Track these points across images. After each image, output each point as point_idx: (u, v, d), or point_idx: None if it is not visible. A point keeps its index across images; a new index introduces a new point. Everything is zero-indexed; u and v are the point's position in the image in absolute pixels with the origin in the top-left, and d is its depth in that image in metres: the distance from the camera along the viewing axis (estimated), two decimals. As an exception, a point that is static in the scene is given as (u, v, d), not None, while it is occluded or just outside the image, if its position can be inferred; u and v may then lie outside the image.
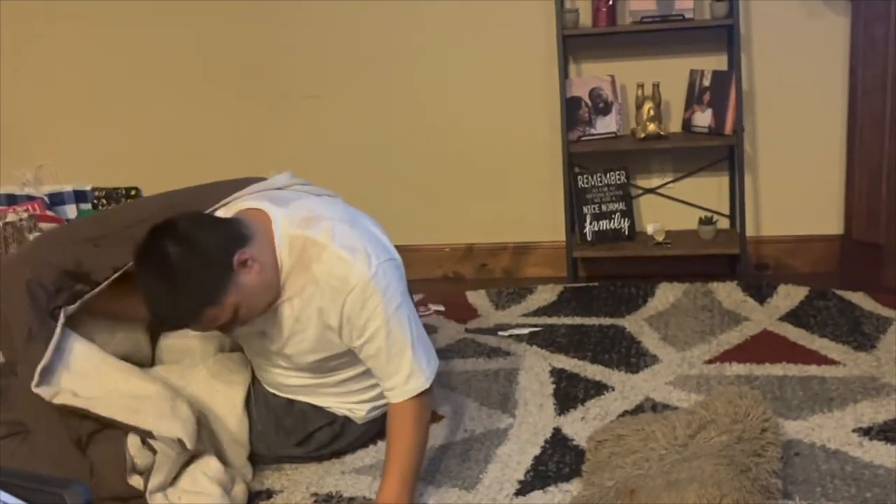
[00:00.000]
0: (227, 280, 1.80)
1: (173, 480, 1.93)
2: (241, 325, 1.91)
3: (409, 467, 1.85)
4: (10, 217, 3.42)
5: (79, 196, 3.64)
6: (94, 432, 1.92)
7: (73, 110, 3.64)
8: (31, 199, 3.59)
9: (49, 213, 3.55)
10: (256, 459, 2.09)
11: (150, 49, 3.52)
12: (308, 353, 1.99)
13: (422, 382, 1.89)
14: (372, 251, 1.88)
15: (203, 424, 2.01)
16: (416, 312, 1.95)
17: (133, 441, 1.88)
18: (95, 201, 3.61)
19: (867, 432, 2.07)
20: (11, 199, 3.64)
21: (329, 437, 2.11)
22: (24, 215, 3.44)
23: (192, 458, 1.97)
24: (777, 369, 2.43)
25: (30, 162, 3.67)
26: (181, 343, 2.19)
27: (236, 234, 1.85)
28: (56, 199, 3.64)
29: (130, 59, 3.55)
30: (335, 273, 1.85)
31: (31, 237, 3.40)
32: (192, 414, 1.94)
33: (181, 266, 1.76)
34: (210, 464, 1.95)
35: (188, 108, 3.55)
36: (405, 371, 1.88)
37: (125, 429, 1.88)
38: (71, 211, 3.62)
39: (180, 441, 1.87)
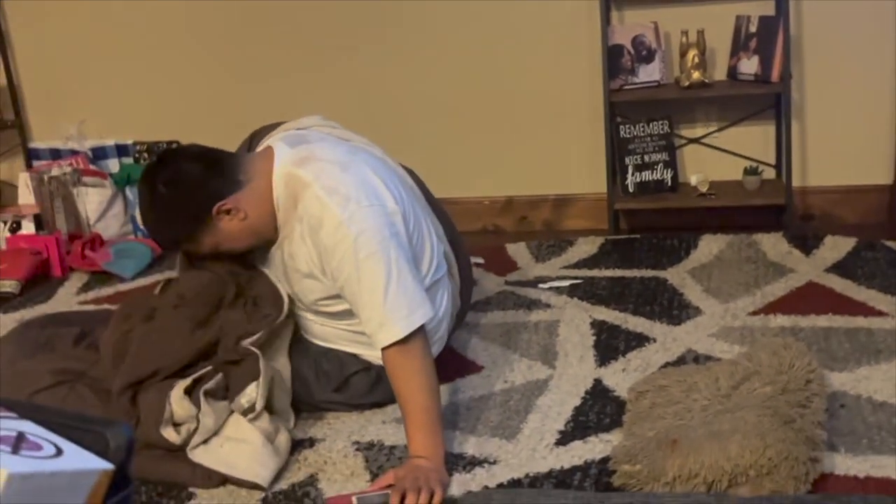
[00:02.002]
0: (202, 226, 1.96)
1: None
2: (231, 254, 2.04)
3: (420, 414, 1.83)
4: (55, 171, 3.46)
5: (121, 150, 3.67)
6: (149, 383, 1.97)
7: (114, 65, 3.66)
8: (74, 153, 3.62)
9: (92, 167, 3.59)
10: (298, 408, 2.11)
11: (189, 2, 3.51)
12: (308, 292, 2.02)
13: (394, 332, 1.85)
14: (354, 195, 1.87)
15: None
16: (408, 263, 1.89)
17: (177, 392, 1.91)
18: (137, 155, 3.64)
19: (915, 384, 2.03)
20: (55, 154, 3.68)
21: (367, 385, 2.11)
22: (68, 170, 3.48)
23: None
24: (823, 321, 2.38)
25: (73, 117, 3.69)
26: None
27: (228, 180, 1.95)
28: (99, 154, 3.67)
29: (169, 12, 3.54)
30: (311, 212, 1.90)
31: (75, 191, 3.45)
32: (287, 447, 1.96)
33: (162, 204, 1.96)
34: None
35: (227, 60, 3.55)
36: (377, 320, 1.86)
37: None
38: (114, 165, 3.66)
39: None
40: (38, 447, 0.70)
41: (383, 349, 1.87)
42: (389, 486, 1.75)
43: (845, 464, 1.78)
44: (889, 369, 2.11)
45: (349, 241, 1.85)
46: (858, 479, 1.74)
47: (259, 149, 2.10)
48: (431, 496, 1.72)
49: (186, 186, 1.95)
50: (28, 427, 0.73)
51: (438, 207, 2.27)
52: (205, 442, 1.92)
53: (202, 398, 1.92)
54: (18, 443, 0.69)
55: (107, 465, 0.75)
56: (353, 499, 1.73)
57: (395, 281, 1.86)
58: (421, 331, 1.88)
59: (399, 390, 1.88)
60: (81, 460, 0.70)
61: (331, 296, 1.99)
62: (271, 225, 2.00)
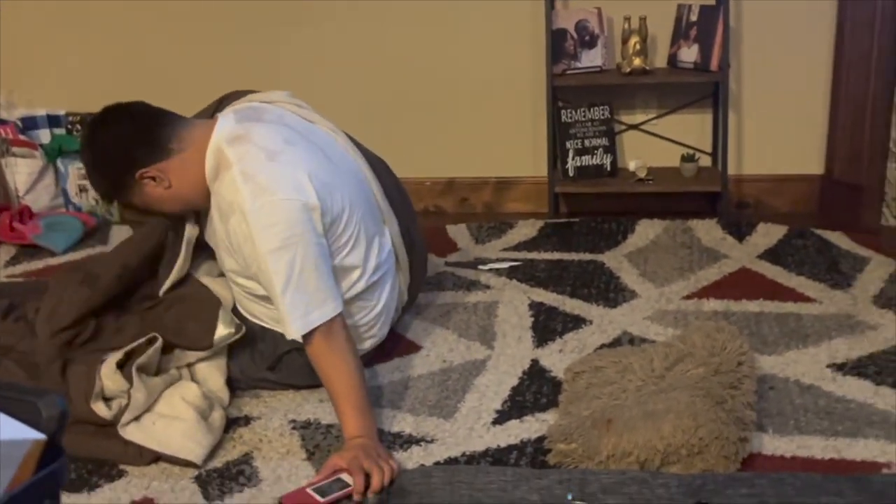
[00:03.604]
0: (126, 187, 1.97)
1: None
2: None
3: (349, 396, 1.83)
4: (-18, 141, 3.35)
5: (52, 120, 3.56)
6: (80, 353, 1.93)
7: (46, 30, 3.54)
8: (2, 123, 3.50)
9: (22, 137, 3.48)
10: (233, 386, 2.09)
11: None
12: (234, 272, 2.01)
13: (291, 331, 1.86)
14: (270, 186, 1.85)
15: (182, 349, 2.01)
16: (316, 260, 1.87)
17: (108, 366, 1.87)
18: (69, 126, 3.54)
19: (841, 368, 2.10)
20: (-17, 123, 3.56)
21: (301, 365, 2.07)
22: (-4, 140, 3.37)
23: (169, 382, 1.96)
24: (754, 306, 2.44)
25: (2, 84, 3.57)
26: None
27: (157, 147, 1.94)
28: (29, 124, 3.55)
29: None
30: (224, 195, 1.89)
31: (3, 161, 3.34)
32: (221, 425, 1.95)
33: (92, 162, 2.00)
34: (188, 388, 1.95)
35: (167, 30, 3.46)
36: (281, 313, 1.87)
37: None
38: (45, 136, 3.54)
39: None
40: (-33, 416, 0.68)
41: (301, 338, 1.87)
42: (336, 471, 1.74)
43: (773, 444, 1.83)
44: (816, 353, 2.17)
45: (256, 232, 1.84)
46: (785, 459, 1.79)
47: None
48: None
49: (113, 150, 1.96)
50: (-45, 396, 0.71)
51: (401, 200, 2.26)
52: (137, 419, 1.89)
53: (134, 373, 1.88)
54: (-55, 411, 0.66)
55: (38, 436, 0.73)
56: (309, 489, 1.71)
57: (295, 278, 1.84)
58: (335, 319, 1.88)
59: (324, 377, 1.89)
60: (12, 430, 0.68)
61: (249, 276, 1.97)
62: (202, 195, 1.98)
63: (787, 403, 1.97)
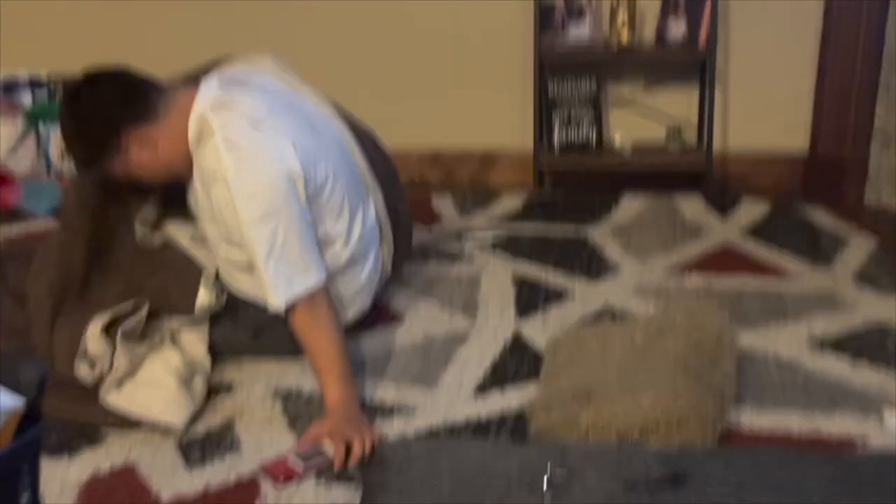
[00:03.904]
0: (111, 151, 1.92)
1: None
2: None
3: (331, 366, 1.84)
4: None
5: (34, 83, 3.51)
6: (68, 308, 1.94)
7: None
8: (-18, 85, 3.46)
9: (3, 98, 3.43)
10: (215, 352, 2.08)
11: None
12: (217, 239, 1.99)
13: (274, 302, 1.86)
14: (252, 155, 1.84)
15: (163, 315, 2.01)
16: (300, 229, 1.87)
17: (93, 329, 1.86)
18: (53, 89, 3.49)
19: (820, 344, 2.12)
20: (-38, 86, 3.51)
21: (284, 333, 2.05)
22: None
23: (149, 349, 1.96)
24: (735, 282, 2.46)
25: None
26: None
27: (144, 110, 1.91)
28: (10, 87, 3.50)
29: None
30: (207, 163, 1.88)
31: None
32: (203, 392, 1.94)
33: (75, 126, 1.94)
34: (170, 355, 1.95)
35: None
36: (264, 283, 1.87)
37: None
38: (26, 98, 3.50)
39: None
40: (-55, 380, 0.68)
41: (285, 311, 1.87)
42: (317, 440, 1.74)
43: (751, 419, 1.85)
44: (796, 329, 2.19)
45: (239, 200, 1.82)
46: (763, 434, 1.81)
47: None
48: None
49: (98, 111, 1.92)
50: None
51: (388, 173, 2.24)
52: (118, 385, 1.89)
53: (119, 338, 1.88)
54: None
55: (17, 400, 0.73)
56: (290, 457, 1.72)
57: (278, 248, 1.84)
58: (318, 290, 1.87)
59: (306, 347, 1.89)
60: (-9, 394, 0.68)
61: (233, 243, 1.96)
62: (185, 162, 1.95)
63: (766, 379, 1.99)
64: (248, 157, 1.83)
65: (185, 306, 1.99)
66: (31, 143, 3.42)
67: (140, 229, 2.09)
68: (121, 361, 1.87)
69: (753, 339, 2.15)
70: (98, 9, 3.45)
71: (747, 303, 2.34)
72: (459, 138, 3.41)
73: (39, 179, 3.31)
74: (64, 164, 3.38)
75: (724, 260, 2.61)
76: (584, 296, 2.41)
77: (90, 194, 2.05)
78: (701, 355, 1.87)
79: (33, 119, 3.39)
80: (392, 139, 2.61)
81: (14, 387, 0.70)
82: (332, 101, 2.22)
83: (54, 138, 3.36)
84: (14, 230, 2.98)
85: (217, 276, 2.08)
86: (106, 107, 1.92)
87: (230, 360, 2.12)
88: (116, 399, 1.87)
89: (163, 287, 2.01)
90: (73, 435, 1.85)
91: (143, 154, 1.93)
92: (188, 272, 2.02)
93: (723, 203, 3.00)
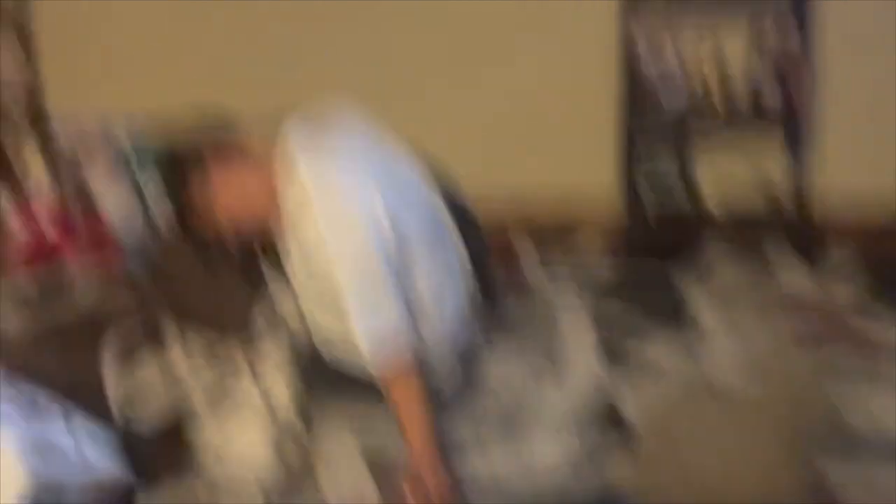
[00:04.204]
0: (197, 172, 1.98)
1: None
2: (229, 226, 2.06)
3: (415, 428, 1.84)
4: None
5: (132, 133, 3.64)
6: None
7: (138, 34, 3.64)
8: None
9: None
10: (303, 407, 2.09)
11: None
12: (307, 296, 2.01)
13: (362, 343, 1.86)
14: (342, 194, 1.87)
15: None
16: (384, 270, 1.88)
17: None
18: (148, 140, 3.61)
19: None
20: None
21: (370, 387, 2.06)
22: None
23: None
24: (838, 351, 2.36)
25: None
26: None
27: (230, 145, 1.99)
28: (119, 157, 3.66)
29: None
30: (295, 201, 1.90)
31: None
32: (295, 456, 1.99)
33: (170, 161, 2.05)
34: (260, 416, 1.98)
35: (249, 25, 3.53)
36: (349, 315, 1.87)
37: None
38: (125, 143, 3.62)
39: None
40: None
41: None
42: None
43: (857, 492, 1.76)
44: (906, 404, 2.08)
45: (324, 239, 1.85)
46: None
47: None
48: None
49: (188, 148, 2.01)
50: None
51: (465, 214, 2.25)
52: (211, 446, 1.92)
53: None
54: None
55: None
56: None
57: (361, 287, 1.86)
58: (402, 337, 1.87)
59: (394, 406, 1.88)
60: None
61: (323, 303, 1.98)
62: (270, 201, 1.98)
63: (875, 452, 1.89)
64: (335, 196, 1.87)
65: (239, 322, 2.03)
66: (137, 207, 3.56)
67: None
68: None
69: (858, 411, 2.05)
70: (191, 54, 3.60)
71: (850, 373, 2.24)
72: (546, 193, 3.40)
73: (145, 243, 3.44)
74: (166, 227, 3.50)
75: (825, 328, 2.51)
76: (679, 365, 2.35)
77: (183, 256, 2.13)
78: (804, 428, 1.80)
79: (129, 162, 3.53)
80: (476, 188, 2.63)
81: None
82: (411, 148, 2.24)
83: (159, 203, 3.49)
84: (118, 293, 3.09)
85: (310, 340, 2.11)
86: (196, 141, 2.01)
87: (317, 410, 2.12)
88: (212, 462, 1.90)
89: (218, 304, 2.07)
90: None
91: (231, 192, 1.98)
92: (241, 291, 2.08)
93: (823, 268, 2.91)
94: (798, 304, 2.67)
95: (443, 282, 2.07)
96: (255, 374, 2.07)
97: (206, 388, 1.96)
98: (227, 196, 2.02)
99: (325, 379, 2.10)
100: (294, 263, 2.03)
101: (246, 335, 2.06)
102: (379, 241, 1.88)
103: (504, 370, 2.36)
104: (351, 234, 1.85)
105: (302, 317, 2.11)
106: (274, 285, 2.17)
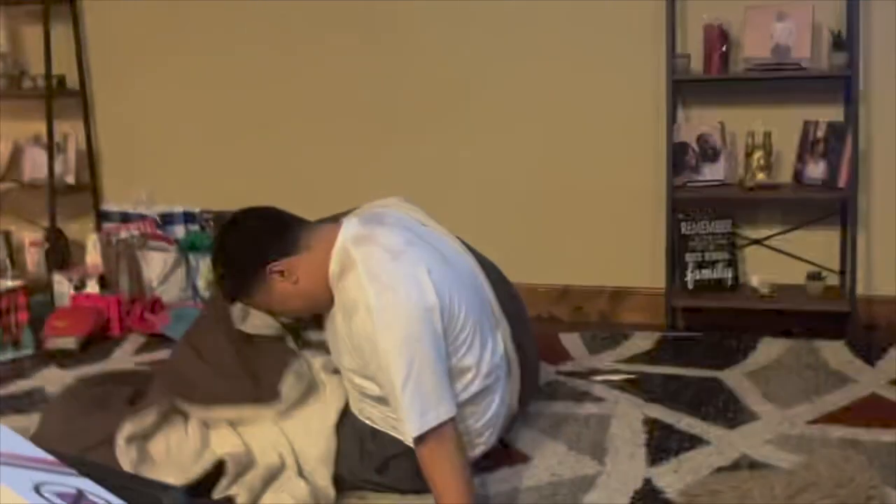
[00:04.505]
0: (256, 282, 2.03)
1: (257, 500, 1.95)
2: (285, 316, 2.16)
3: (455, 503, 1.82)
4: (123, 234, 3.56)
5: (188, 217, 3.77)
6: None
7: (188, 135, 3.79)
8: (143, 217, 3.73)
9: (159, 231, 3.68)
10: (340, 485, 2.09)
11: (263, 78, 3.64)
12: (351, 371, 2.02)
13: (408, 430, 1.85)
14: (393, 285, 1.87)
15: (293, 442, 2.05)
16: (434, 361, 1.88)
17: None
18: (203, 223, 3.73)
19: (984, 509, 1.94)
20: (125, 217, 3.79)
21: (409, 469, 2.06)
22: (136, 233, 3.58)
23: (275, 474, 1.99)
24: (886, 435, 2.30)
25: (145, 183, 3.82)
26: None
27: (288, 243, 2.03)
28: (167, 220, 3.77)
29: (245, 88, 3.68)
30: (349, 294, 1.92)
31: (140, 254, 3.54)
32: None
33: (224, 257, 2.08)
34: (297, 485, 1.97)
35: (297, 137, 3.65)
36: (398, 411, 1.87)
37: None
38: (180, 231, 3.75)
39: None
40: (95, 506, 0.71)
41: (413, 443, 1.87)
42: None
43: (907, 589, 1.70)
44: (955, 491, 2.02)
45: (377, 331, 1.86)
46: None
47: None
48: None
49: (245, 242, 2.04)
50: (87, 485, 0.74)
51: (514, 307, 2.27)
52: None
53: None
54: (77, 500, 0.69)
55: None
56: None
57: (414, 378, 1.84)
58: (448, 424, 1.87)
59: (432, 482, 1.87)
60: (136, 522, 0.71)
61: (366, 376, 1.99)
62: (325, 295, 2.02)
63: (922, 545, 1.83)
64: (388, 288, 1.88)
65: (268, 393, 2.07)
66: (181, 272, 3.64)
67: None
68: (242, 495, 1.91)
69: (907, 499, 1.99)
70: (249, 152, 3.71)
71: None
72: (589, 275, 3.41)
73: (186, 307, 3.49)
74: (209, 292, 3.56)
75: (871, 411, 2.45)
76: (720, 443, 2.31)
77: (225, 315, 2.17)
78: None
79: (186, 249, 3.61)
80: (521, 275, 2.66)
81: (157, 515, 0.74)
82: (457, 238, 2.27)
83: (203, 268, 3.56)
84: (160, 355, 3.13)
85: (347, 408, 2.11)
86: (252, 240, 2.04)
87: (354, 492, 2.12)
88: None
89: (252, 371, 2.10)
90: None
91: (284, 285, 2.02)
92: (276, 355, 2.11)
93: (869, 350, 2.85)
94: (843, 384, 2.62)
95: (486, 354, 2.07)
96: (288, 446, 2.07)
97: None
98: (283, 307, 2.10)
99: (368, 461, 2.11)
100: (339, 338, 2.05)
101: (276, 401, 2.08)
102: (430, 329, 1.89)
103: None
104: (403, 327, 1.86)
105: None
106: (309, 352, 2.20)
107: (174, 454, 2.00)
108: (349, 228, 2.04)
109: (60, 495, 0.69)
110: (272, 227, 2.05)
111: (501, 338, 2.16)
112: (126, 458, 1.97)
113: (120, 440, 1.99)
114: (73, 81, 3.86)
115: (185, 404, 2.07)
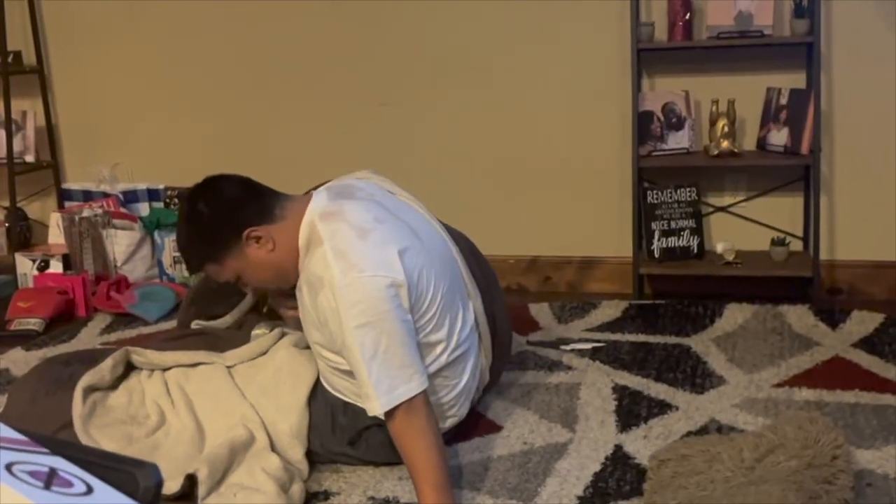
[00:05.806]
0: (231, 248, 2.00)
1: (226, 473, 1.95)
2: (251, 289, 2.17)
3: (428, 475, 1.82)
4: (86, 213, 3.51)
5: (152, 194, 3.72)
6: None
7: (149, 111, 3.73)
8: (105, 195, 3.68)
9: (122, 210, 3.64)
10: (313, 459, 2.09)
11: (226, 53, 3.59)
12: (319, 345, 2.02)
13: (373, 407, 1.85)
14: (360, 263, 1.87)
15: (265, 417, 2.05)
16: (403, 337, 1.87)
17: None
18: (167, 200, 3.69)
19: (944, 466, 1.99)
20: (87, 196, 3.74)
21: (382, 441, 2.06)
22: (99, 211, 3.53)
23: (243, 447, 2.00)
24: (849, 396, 2.35)
25: (107, 160, 3.76)
26: (259, 332, 2.27)
27: (265, 210, 2.01)
28: (130, 197, 3.72)
29: (207, 63, 3.62)
30: (314, 271, 1.92)
31: (104, 233, 3.49)
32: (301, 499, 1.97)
33: (199, 221, 2.02)
34: (270, 459, 1.96)
35: (261, 111, 3.61)
36: (363, 389, 1.87)
37: None
38: (144, 209, 3.70)
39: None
40: (69, 484, 0.70)
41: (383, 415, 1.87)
42: None
43: (871, 544, 1.74)
44: (917, 449, 2.07)
45: (343, 307, 1.85)
46: (885, 561, 1.70)
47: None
48: None
49: (225, 205, 2.02)
50: (59, 463, 0.73)
51: (487, 279, 2.27)
52: (217, 489, 1.91)
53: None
54: (50, 479, 0.69)
55: (134, 507, 0.75)
56: None
57: (381, 355, 1.84)
58: (418, 397, 1.87)
59: (405, 454, 1.87)
60: (111, 499, 0.70)
61: (335, 350, 1.99)
62: (294, 266, 2.02)
63: (886, 502, 1.87)
64: (353, 266, 1.87)
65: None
66: (146, 250, 3.60)
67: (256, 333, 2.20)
68: (202, 470, 1.92)
69: (871, 459, 2.04)
70: (211, 127, 3.66)
71: (863, 419, 2.23)
72: (557, 246, 3.43)
73: (152, 285, 3.46)
74: (176, 270, 3.53)
75: (835, 373, 2.50)
76: (689, 408, 2.34)
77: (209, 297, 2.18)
78: (815, 475, 1.78)
79: (150, 227, 3.57)
80: (489, 246, 2.67)
81: (132, 491, 0.73)
82: (429, 210, 2.27)
83: (168, 246, 3.53)
84: (127, 334, 3.11)
85: (318, 382, 2.11)
86: (232, 203, 2.01)
87: (327, 466, 2.12)
88: (217, 500, 1.89)
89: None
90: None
91: (260, 252, 2.00)
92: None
93: (832, 314, 2.90)
94: (807, 347, 2.67)
95: (456, 327, 2.07)
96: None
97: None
98: (254, 276, 2.07)
99: (340, 435, 2.11)
100: (306, 311, 2.04)
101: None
102: (397, 306, 1.88)
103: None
104: (368, 305, 1.85)
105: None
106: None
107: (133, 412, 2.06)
108: (318, 203, 2.02)
109: (33, 474, 0.68)
110: (248, 194, 2.03)
111: (473, 309, 2.17)
112: (77, 409, 2.02)
113: (77, 391, 2.05)
114: (29, 57, 3.79)
115: (139, 352, 2.15)
